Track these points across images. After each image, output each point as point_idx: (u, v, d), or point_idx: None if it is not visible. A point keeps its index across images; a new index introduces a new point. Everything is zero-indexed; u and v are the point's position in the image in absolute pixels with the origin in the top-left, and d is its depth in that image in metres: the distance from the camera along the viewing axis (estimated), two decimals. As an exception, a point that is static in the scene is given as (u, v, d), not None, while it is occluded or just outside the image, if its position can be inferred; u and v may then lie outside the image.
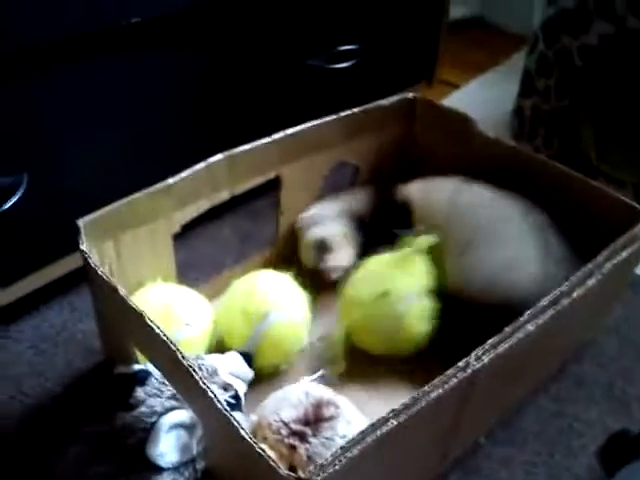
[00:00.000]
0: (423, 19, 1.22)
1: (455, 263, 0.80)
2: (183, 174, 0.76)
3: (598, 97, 1.09)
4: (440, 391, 0.54)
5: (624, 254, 0.71)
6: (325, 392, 0.64)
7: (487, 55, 1.65)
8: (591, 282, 0.68)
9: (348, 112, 0.90)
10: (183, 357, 0.54)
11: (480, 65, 1.60)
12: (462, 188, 0.85)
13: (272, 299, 0.77)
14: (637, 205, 0.77)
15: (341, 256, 0.89)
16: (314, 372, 0.80)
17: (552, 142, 1.19)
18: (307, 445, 0.58)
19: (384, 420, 0.51)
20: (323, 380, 0.77)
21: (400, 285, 0.79)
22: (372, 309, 0.79)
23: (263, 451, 0.48)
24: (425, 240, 0.81)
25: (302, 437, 0.59)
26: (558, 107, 1.16)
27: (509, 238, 0.78)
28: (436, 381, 0.55)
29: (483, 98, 1.44)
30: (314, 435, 0.59)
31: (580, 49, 1.08)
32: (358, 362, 0.81)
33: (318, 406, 0.61)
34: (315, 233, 0.90)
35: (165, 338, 0.55)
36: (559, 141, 1.18)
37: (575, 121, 1.13)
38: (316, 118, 0.87)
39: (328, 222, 0.91)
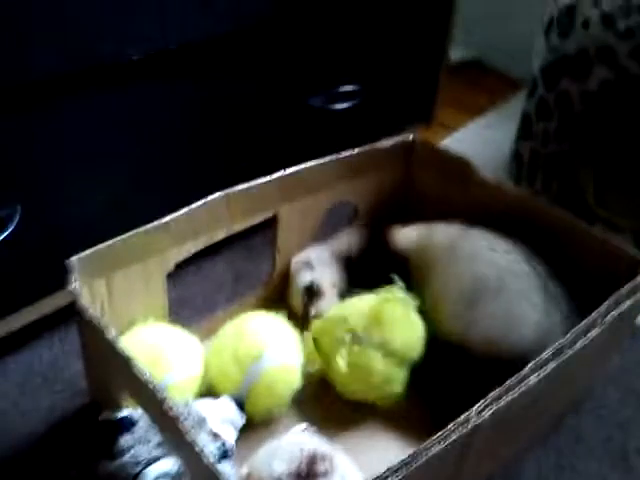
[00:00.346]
0: (423, 61, 1.23)
1: (457, 316, 0.78)
2: (181, 212, 0.75)
3: (598, 142, 1.09)
4: (440, 447, 0.52)
5: (628, 303, 0.70)
6: (319, 445, 0.61)
7: (485, 98, 1.66)
8: (594, 333, 0.66)
9: (347, 153, 0.89)
10: (171, 406, 0.52)
11: (478, 108, 1.60)
12: (462, 235, 0.84)
13: (263, 342, 0.75)
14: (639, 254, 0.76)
15: (328, 302, 0.86)
16: (307, 419, 0.78)
17: (551, 186, 1.19)
18: (300, 501, 0.56)
19: (382, 479, 0.49)
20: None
21: (369, 332, 0.76)
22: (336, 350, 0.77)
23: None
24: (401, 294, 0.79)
25: (295, 493, 0.57)
26: (557, 151, 1.15)
27: (513, 291, 0.77)
28: (435, 437, 0.53)
29: (481, 141, 1.44)
30: (307, 491, 0.57)
31: (580, 94, 1.08)
32: (345, 410, 0.79)
33: (312, 461, 0.58)
34: (304, 278, 0.88)
35: (153, 386, 0.53)
36: (558, 185, 1.17)
37: (574, 166, 1.13)
38: (315, 158, 0.87)
39: (319, 267, 0.90)
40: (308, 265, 0.90)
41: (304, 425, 0.76)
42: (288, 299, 0.91)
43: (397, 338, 0.76)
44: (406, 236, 0.90)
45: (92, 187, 0.81)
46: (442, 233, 0.86)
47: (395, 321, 0.77)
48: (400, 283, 0.80)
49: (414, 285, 0.83)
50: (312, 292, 0.87)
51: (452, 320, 0.78)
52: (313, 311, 0.86)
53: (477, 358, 0.74)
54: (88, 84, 0.74)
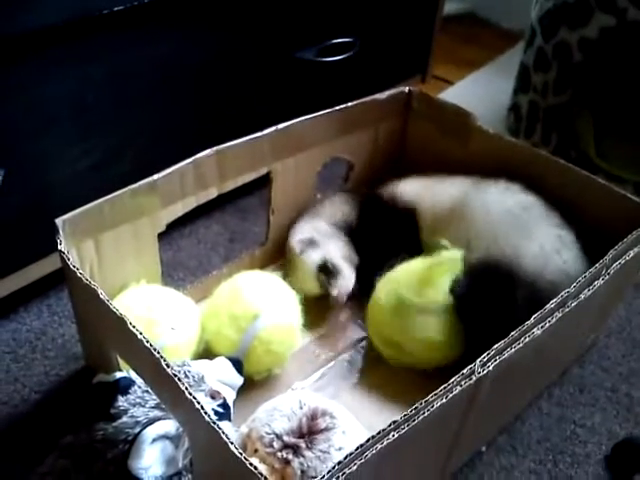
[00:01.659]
0: (417, 13, 1.19)
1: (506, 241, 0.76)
2: (169, 170, 0.73)
3: (598, 92, 1.06)
4: (443, 401, 0.51)
5: (632, 253, 0.68)
6: (320, 401, 0.60)
7: (480, 51, 1.62)
8: (598, 283, 0.65)
9: (342, 106, 0.86)
10: (167, 365, 0.50)
11: (473, 61, 1.57)
12: (472, 186, 0.83)
13: (260, 301, 0.74)
14: (643, 202, 0.74)
15: (347, 278, 0.81)
16: (307, 377, 0.77)
17: (550, 138, 1.16)
18: (301, 459, 0.55)
19: (385, 433, 0.47)
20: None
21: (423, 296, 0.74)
22: (392, 317, 0.75)
23: (254, 467, 0.45)
24: (451, 256, 0.75)
25: (296, 450, 0.55)
26: (556, 102, 1.13)
27: (544, 227, 0.76)
28: (439, 390, 0.51)
29: (477, 94, 1.41)
30: (308, 448, 0.55)
31: (580, 43, 1.05)
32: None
33: (313, 417, 0.57)
34: (313, 257, 0.83)
35: (148, 344, 0.51)
36: (557, 137, 1.15)
37: (574, 117, 1.11)
38: (309, 113, 0.84)
39: (324, 241, 0.84)
40: (312, 243, 0.84)
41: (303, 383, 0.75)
42: (295, 282, 0.82)
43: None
44: (411, 187, 0.87)
45: (79, 147, 0.78)
46: (448, 186, 0.85)
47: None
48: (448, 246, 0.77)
49: (424, 235, 0.83)
50: (328, 270, 0.81)
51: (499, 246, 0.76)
52: (335, 291, 0.80)
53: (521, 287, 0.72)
54: (68, 39, 0.70)
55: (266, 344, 0.72)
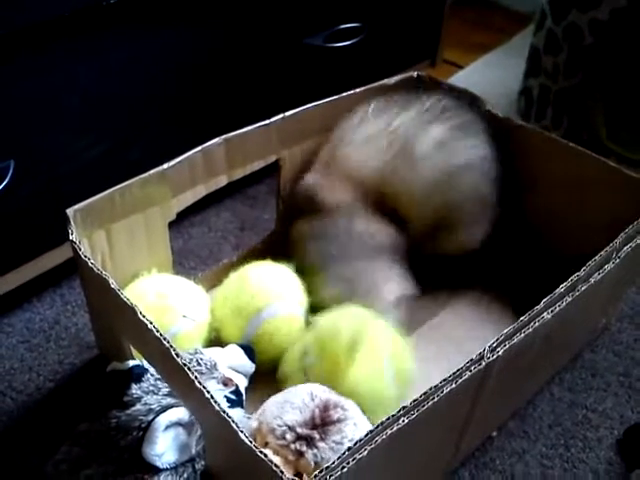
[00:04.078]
0: (425, -4, 1.18)
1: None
2: (178, 159, 0.73)
3: (609, 75, 1.05)
4: (453, 386, 0.51)
5: (643, 237, 0.68)
6: (330, 394, 0.60)
7: (490, 34, 1.60)
8: (609, 267, 0.64)
9: (350, 92, 0.86)
10: (177, 354, 0.50)
11: (483, 45, 1.55)
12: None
13: (265, 294, 0.74)
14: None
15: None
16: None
17: (561, 122, 1.15)
18: (315, 450, 0.54)
19: (394, 419, 0.47)
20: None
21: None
22: None
23: (265, 455, 0.45)
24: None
25: (309, 442, 0.55)
26: (567, 86, 1.12)
27: None
28: (449, 376, 0.51)
29: (488, 78, 1.40)
30: (322, 439, 0.55)
31: (590, 24, 1.03)
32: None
33: (325, 408, 0.57)
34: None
35: (158, 334, 0.52)
36: (568, 121, 1.14)
37: (585, 100, 1.09)
38: (318, 99, 0.84)
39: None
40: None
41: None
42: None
43: None
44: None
45: (88, 137, 0.79)
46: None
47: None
48: None
49: None
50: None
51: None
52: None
53: None
54: (78, 28, 0.70)
55: (269, 336, 0.72)
